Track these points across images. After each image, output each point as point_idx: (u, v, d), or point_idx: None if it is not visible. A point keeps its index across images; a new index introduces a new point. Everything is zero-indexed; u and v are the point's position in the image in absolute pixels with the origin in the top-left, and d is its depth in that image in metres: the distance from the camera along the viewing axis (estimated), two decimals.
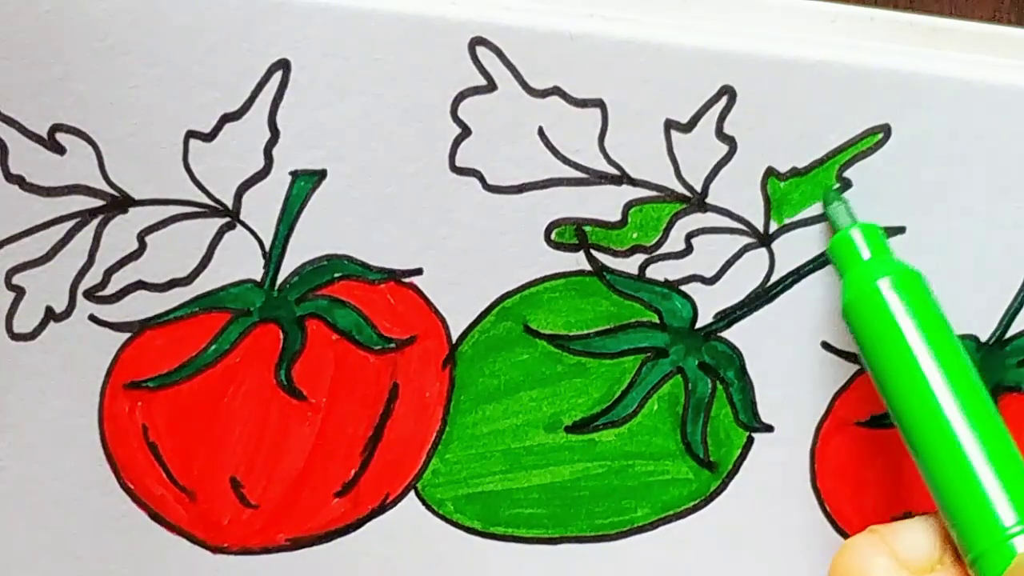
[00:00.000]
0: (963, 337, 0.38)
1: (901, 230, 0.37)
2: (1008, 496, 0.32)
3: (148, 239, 0.37)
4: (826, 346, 0.38)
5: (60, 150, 0.36)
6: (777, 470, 0.39)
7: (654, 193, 0.37)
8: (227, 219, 0.37)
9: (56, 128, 0.36)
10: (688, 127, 0.36)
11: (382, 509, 0.40)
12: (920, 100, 0.35)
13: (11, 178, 0.36)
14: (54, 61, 0.35)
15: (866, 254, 0.35)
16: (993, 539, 0.32)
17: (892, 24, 0.36)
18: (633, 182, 0.37)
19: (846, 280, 0.35)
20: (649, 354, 0.38)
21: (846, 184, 0.36)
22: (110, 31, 0.35)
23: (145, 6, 0.35)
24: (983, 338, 0.38)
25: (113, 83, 0.36)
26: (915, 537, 0.33)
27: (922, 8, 0.40)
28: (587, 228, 0.37)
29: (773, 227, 0.37)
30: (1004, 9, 0.41)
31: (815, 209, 0.37)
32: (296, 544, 0.40)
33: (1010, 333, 0.38)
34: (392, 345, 0.38)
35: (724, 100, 0.36)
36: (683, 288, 0.38)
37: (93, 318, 0.38)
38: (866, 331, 0.34)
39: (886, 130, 0.36)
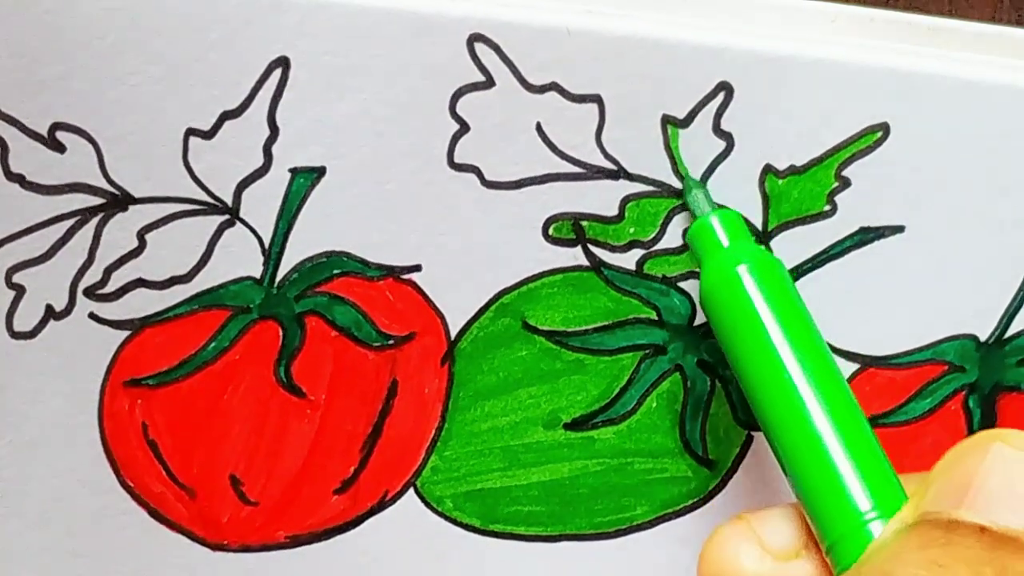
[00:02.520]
0: (963, 337, 0.38)
1: (900, 229, 0.37)
2: (863, 482, 0.31)
3: (148, 237, 0.37)
4: None
5: (60, 148, 0.36)
6: (776, 468, 0.39)
7: (651, 188, 0.37)
8: (227, 216, 0.37)
9: (56, 126, 0.36)
10: (685, 123, 0.36)
11: (381, 506, 0.40)
12: (919, 99, 0.35)
13: (11, 176, 0.36)
14: (54, 60, 0.35)
15: (725, 241, 0.34)
16: (849, 525, 0.31)
17: (892, 24, 0.36)
18: (630, 177, 0.37)
19: (705, 267, 0.34)
20: (647, 351, 0.38)
21: (845, 183, 0.36)
22: (109, 30, 0.35)
23: (144, 5, 0.35)
24: (982, 337, 0.38)
25: (113, 81, 0.36)
26: (780, 524, 0.33)
27: (922, 8, 0.40)
28: (584, 223, 0.37)
29: (771, 225, 0.37)
30: (1004, 9, 0.41)
31: (813, 208, 0.37)
32: (296, 541, 0.40)
33: (1009, 333, 0.38)
34: (391, 342, 0.38)
35: (721, 96, 0.36)
36: (681, 285, 0.38)
37: (93, 316, 0.38)
38: (725, 318, 0.33)
39: (885, 129, 0.36)
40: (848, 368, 0.38)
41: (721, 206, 0.36)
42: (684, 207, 0.36)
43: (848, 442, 0.32)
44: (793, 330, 0.33)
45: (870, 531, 0.31)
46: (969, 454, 0.29)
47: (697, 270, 0.37)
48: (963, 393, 0.38)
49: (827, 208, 0.37)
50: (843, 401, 0.32)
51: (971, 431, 0.39)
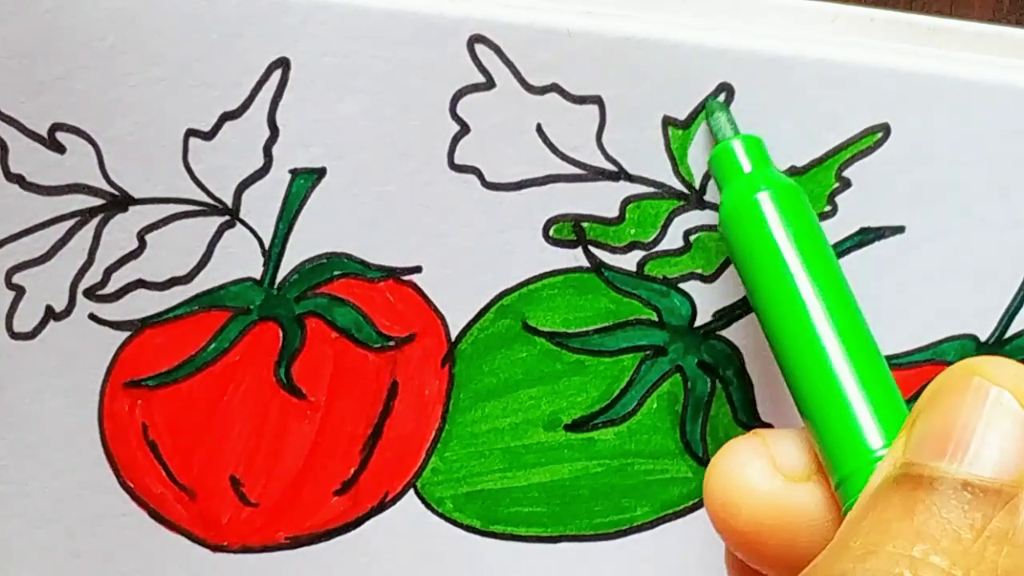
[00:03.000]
0: (962, 337, 0.38)
1: (900, 229, 0.37)
2: (876, 418, 0.30)
3: (148, 238, 0.37)
4: None
5: (60, 149, 0.36)
6: None
7: (652, 190, 0.37)
8: (227, 217, 0.37)
9: (56, 127, 0.36)
10: (686, 124, 0.36)
11: (382, 507, 0.40)
12: (920, 99, 0.35)
13: (11, 177, 0.36)
14: (54, 61, 0.35)
15: (747, 166, 0.33)
16: (859, 461, 0.30)
17: (892, 24, 0.36)
18: (631, 178, 0.37)
19: (725, 192, 0.33)
20: (648, 352, 0.38)
21: (845, 183, 0.36)
22: (109, 31, 0.35)
23: (144, 6, 0.35)
24: (982, 338, 0.38)
25: (113, 82, 0.36)
26: (794, 446, 0.32)
27: (922, 8, 0.40)
28: (585, 224, 0.37)
29: None
30: (1004, 9, 0.41)
31: (814, 208, 0.37)
32: (296, 542, 0.40)
33: (1009, 333, 0.38)
34: (391, 343, 0.38)
35: (722, 97, 0.35)
36: (681, 286, 0.38)
37: (93, 317, 0.38)
38: (742, 243, 0.32)
39: (885, 129, 0.36)
40: None
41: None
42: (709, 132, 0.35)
43: (862, 377, 0.30)
44: (811, 259, 0.31)
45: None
46: (949, 393, 0.28)
47: (699, 271, 0.37)
48: None
49: (827, 208, 0.37)
50: (859, 335, 0.31)
51: None
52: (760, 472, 0.31)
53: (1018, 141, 0.36)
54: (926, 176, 0.36)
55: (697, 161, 0.36)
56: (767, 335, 0.32)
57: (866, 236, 0.37)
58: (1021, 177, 0.36)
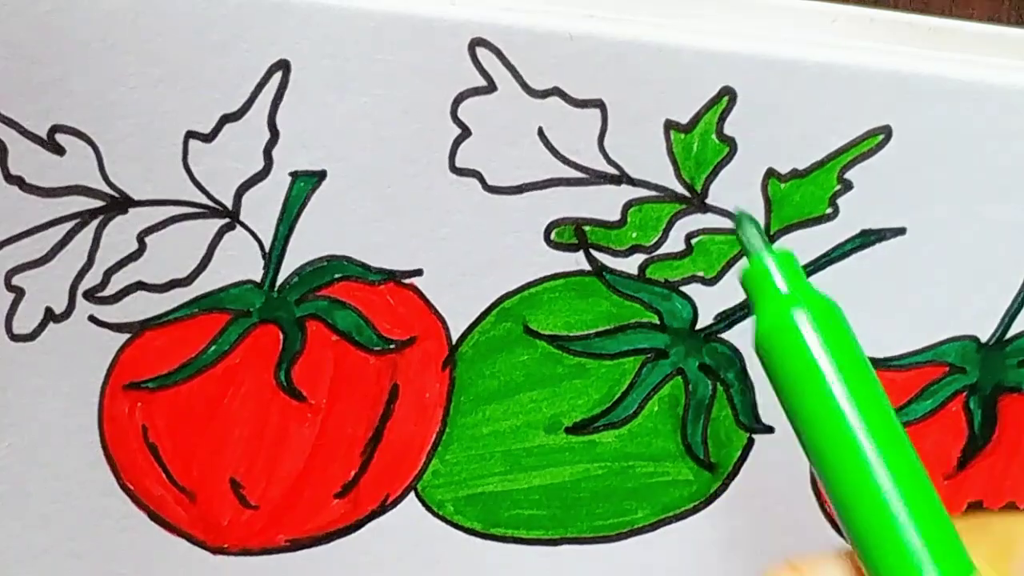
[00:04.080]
0: (963, 338, 0.38)
1: (901, 231, 0.37)
2: (929, 551, 0.31)
3: (148, 240, 0.37)
4: None
5: (60, 151, 0.36)
6: (777, 471, 0.39)
7: (654, 193, 0.37)
8: (227, 220, 0.37)
9: (56, 129, 0.36)
10: (688, 128, 0.36)
11: (382, 510, 0.40)
12: (921, 102, 0.35)
13: (11, 179, 0.36)
14: (54, 62, 0.35)
15: (782, 285, 0.32)
16: None
17: (892, 24, 0.36)
18: (632, 182, 0.37)
19: (760, 311, 0.32)
20: (649, 355, 0.38)
21: (847, 186, 0.36)
22: (109, 32, 0.35)
23: (145, 6, 0.35)
24: (983, 339, 0.38)
25: (112, 84, 0.36)
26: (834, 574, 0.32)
27: (922, 8, 0.40)
28: (586, 228, 0.37)
29: (774, 228, 0.37)
30: (1004, 9, 0.41)
31: (815, 211, 0.37)
32: (296, 545, 0.40)
33: (1010, 334, 0.38)
34: (392, 346, 0.38)
35: (724, 101, 0.35)
36: (683, 289, 0.38)
37: (93, 319, 0.38)
38: (782, 367, 0.31)
39: (887, 131, 0.36)
40: None
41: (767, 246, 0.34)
42: (734, 235, 0.34)
43: (914, 507, 0.31)
44: (856, 384, 0.32)
45: None
46: None
47: (701, 274, 0.37)
48: (964, 394, 0.38)
49: (829, 211, 0.37)
50: (907, 461, 0.31)
51: (972, 432, 0.39)
52: None
53: (1018, 141, 0.36)
54: (927, 178, 0.36)
55: (699, 164, 0.36)
56: (811, 460, 0.32)
57: (867, 238, 0.37)
58: (1022, 177, 0.36)
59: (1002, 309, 0.37)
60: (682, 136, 0.36)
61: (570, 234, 0.37)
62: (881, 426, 0.30)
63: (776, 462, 0.39)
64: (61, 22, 0.35)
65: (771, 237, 0.37)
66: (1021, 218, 0.36)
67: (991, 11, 0.41)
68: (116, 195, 0.37)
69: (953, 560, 0.29)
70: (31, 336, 0.38)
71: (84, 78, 0.36)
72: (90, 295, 0.38)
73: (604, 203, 0.37)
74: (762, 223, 0.37)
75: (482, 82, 0.36)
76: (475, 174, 0.36)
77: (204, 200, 0.37)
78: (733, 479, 0.39)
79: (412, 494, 0.40)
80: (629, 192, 0.37)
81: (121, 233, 0.37)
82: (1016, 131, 0.36)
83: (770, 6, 0.36)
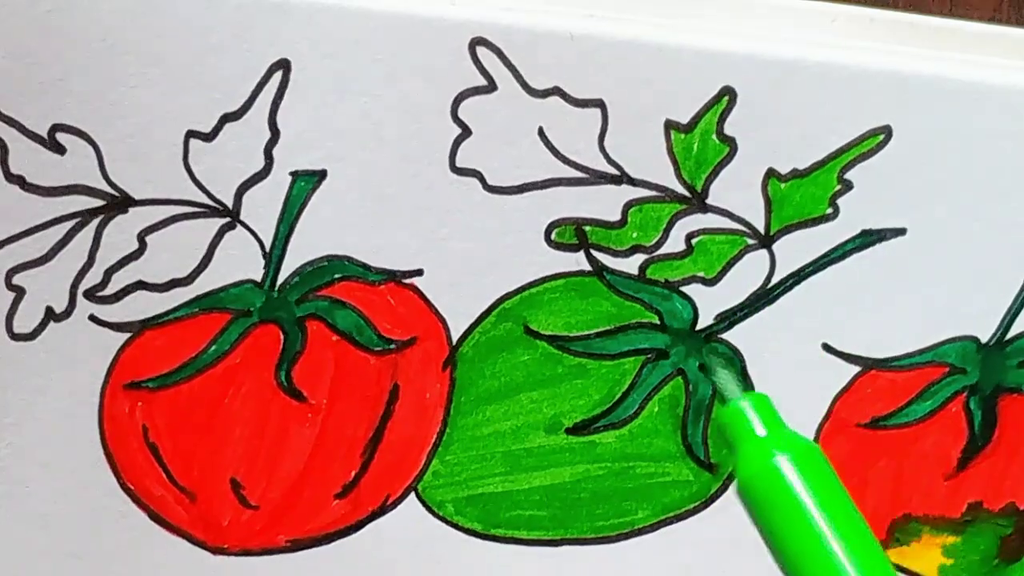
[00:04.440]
0: (963, 338, 0.38)
1: (902, 231, 0.37)
2: None
3: (148, 239, 0.37)
4: (827, 348, 0.38)
5: (60, 150, 0.36)
6: None
7: (654, 193, 0.37)
8: (227, 219, 0.37)
9: (56, 128, 0.36)
10: (688, 128, 0.36)
11: (382, 511, 0.40)
12: (921, 102, 0.35)
13: (11, 178, 0.36)
14: (54, 61, 0.35)
15: (760, 429, 0.31)
16: None
17: (892, 24, 0.36)
18: (633, 182, 0.36)
19: (741, 456, 0.32)
20: (650, 355, 0.38)
21: (847, 186, 0.36)
22: (110, 31, 0.35)
23: (145, 6, 0.35)
24: (983, 339, 0.38)
25: (113, 83, 0.36)
26: None
27: (922, 8, 0.40)
28: (587, 228, 0.37)
29: (774, 228, 0.37)
30: (1004, 9, 0.41)
31: (816, 211, 0.37)
32: (296, 545, 0.40)
33: (1011, 334, 0.38)
34: (392, 346, 0.38)
35: (725, 101, 0.35)
36: (683, 289, 0.38)
37: (93, 318, 0.38)
38: (768, 512, 0.31)
39: (887, 131, 0.36)
40: (850, 370, 0.38)
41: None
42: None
43: None
44: (841, 523, 0.32)
45: None
46: None
47: (701, 274, 0.37)
48: (964, 395, 0.38)
49: (829, 211, 0.37)
50: None
51: (972, 433, 0.39)
52: None
53: (1019, 142, 0.36)
54: (927, 178, 0.36)
55: (700, 164, 0.36)
56: None
57: (868, 238, 0.37)
58: (1022, 178, 0.36)
59: (1002, 309, 0.37)
60: (682, 136, 0.36)
61: (571, 234, 0.37)
62: (871, 567, 0.30)
63: None
64: (61, 22, 0.35)
65: (771, 237, 0.37)
66: (1021, 218, 0.36)
67: (991, 11, 0.41)
68: (116, 194, 0.37)
69: None
70: (31, 335, 0.38)
71: (84, 78, 0.36)
72: (91, 294, 0.38)
73: (604, 203, 0.37)
74: (762, 224, 0.37)
75: (482, 82, 0.36)
76: (475, 174, 0.36)
77: (204, 199, 0.37)
78: (734, 479, 0.39)
79: (413, 495, 0.40)
80: (629, 192, 0.37)
81: (121, 232, 0.37)
82: (1016, 131, 0.36)
83: (770, 6, 0.36)
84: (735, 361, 0.35)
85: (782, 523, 0.30)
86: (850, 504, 0.31)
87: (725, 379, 0.32)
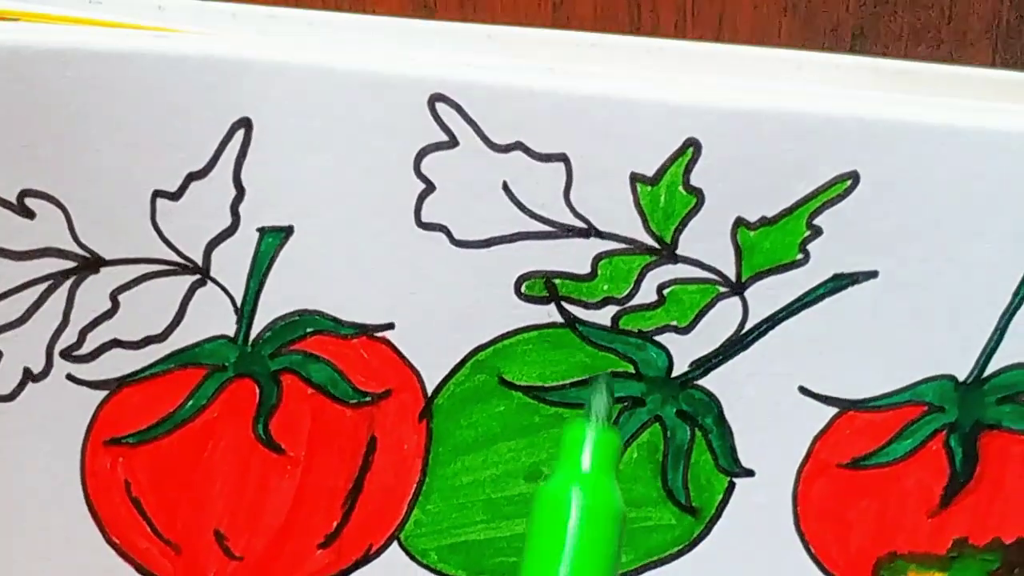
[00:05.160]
0: (940, 377, 0.37)
1: (874, 274, 0.36)
2: None
3: (121, 298, 0.37)
4: (803, 390, 0.38)
5: (30, 215, 0.36)
6: (760, 514, 0.39)
7: (623, 245, 0.36)
8: (197, 276, 0.37)
9: (25, 193, 0.36)
10: (654, 180, 0.35)
11: (366, 559, 0.40)
12: (887, 146, 0.35)
13: None
14: (20, 129, 0.35)
15: (586, 463, 0.31)
16: None
17: (857, 70, 0.35)
18: (601, 235, 0.36)
19: (557, 471, 0.32)
20: (626, 403, 0.38)
21: (816, 231, 0.36)
22: (74, 97, 0.35)
23: (107, 72, 0.35)
24: (960, 377, 0.37)
25: (79, 148, 0.36)
26: None
27: (919, 55, 0.40)
28: (557, 281, 0.37)
29: (745, 276, 0.36)
30: (1004, 8, 0.40)
31: (786, 257, 0.36)
32: None
33: (988, 371, 0.37)
34: (368, 399, 0.38)
35: (689, 152, 0.35)
36: (657, 338, 0.37)
37: (71, 377, 0.38)
38: (535, 528, 0.32)
39: (854, 177, 0.35)
40: (827, 412, 0.38)
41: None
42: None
43: None
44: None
45: None
46: None
47: (674, 323, 0.37)
48: (944, 433, 0.38)
49: (800, 257, 0.36)
50: None
51: (954, 470, 0.38)
52: None
53: (987, 182, 0.35)
54: (897, 220, 0.36)
55: (668, 215, 0.36)
56: None
57: (840, 282, 0.36)
58: (992, 218, 0.36)
59: (978, 347, 0.37)
60: (648, 188, 0.35)
61: (540, 287, 0.37)
62: None
63: (758, 505, 0.39)
64: (25, 91, 0.35)
65: (743, 284, 0.37)
66: (992, 256, 0.36)
67: (992, 10, 0.40)
68: (87, 255, 0.37)
69: None
70: (10, 397, 0.38)
71: (51, 143, 0.35)
72: (67, 354, 0.38)
73: (573, 256, 0.36)
74: (733, 272, 0.36)
75: (444, 137, 0.35)
76: (442, 228, 0.36)
77: (174, 257, 0.37)
78: (716, 523, 0.39)
79: (395, 543, 0.40)
80: (599, 245, 0.36)
81: (94, 292, 0.37)
82: (984, 172, 0.35)
83: (736, 54, 0.35)
84: (613, 394, 0.34)
85: (540, 543, 0.31)
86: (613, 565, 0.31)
87: (599, 403, 0.32)
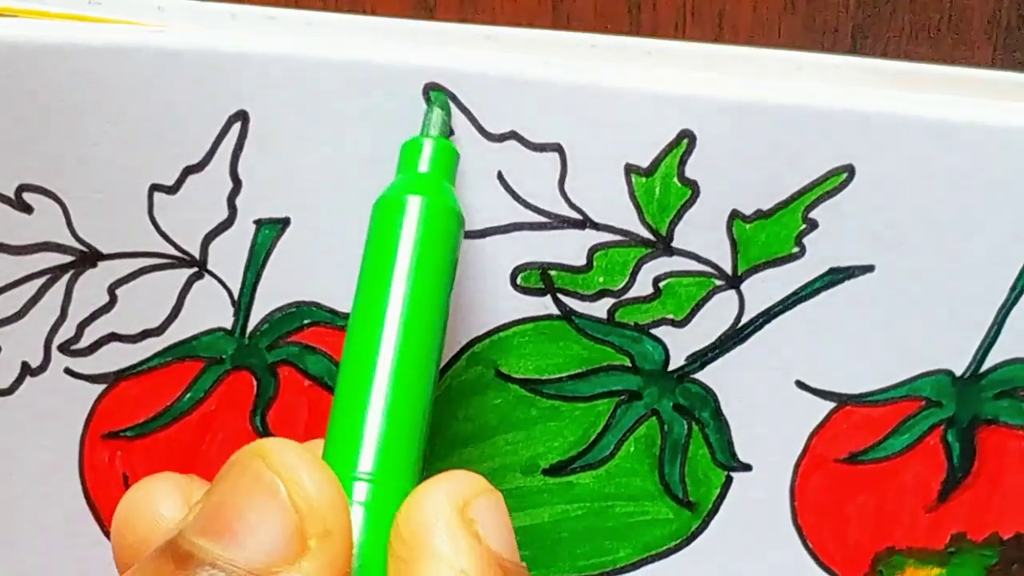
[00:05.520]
0: (937, 372, 0.37)
1: (870, 268, 0.36)
2: (381, 445, 0.30)
3: (118, 292, 0.37)
4: (800, 384, 0.37)
5: (27, 209, 0.36)
6: (757, 508, 0.39)
7: (618, 238, 0.36)
8: (195, 269, 0.37)
9: (22, 188, 0.36)
10: (649, 172, 0.35)
11: None
12: (882, 139, 0.35)
13: None
14: (17, 124, 0.35)
15: (424, 166, 0.32)
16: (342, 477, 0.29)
17: (857, 71, 0.35)
18: (596, 226, 0.36)
19: (395, 180, 0.33)
20: (623, 397, 0.38)
21: (812, 225, 0.36)
22: (70, 93, 0.35)
23: (103, 67, 0.35)
24: (958, 372, 0.37)
25: (76, 142, 0.36)
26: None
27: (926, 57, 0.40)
28: (552, 272, 0.37)
29: (741, 269, 0.36)
30: (1004, 7, 0.40)
31: (782, 251, 0.36)
32: None
33: (986, 366, 0.37)
34: None
35: (684, 144, 0.35)
36: (653, 331, 0.37)
37: (69, 371, 0.38)
38: (373, 234, 0.32)
39: (850, 170, 0.35)
40: (824, 407, 0.38)
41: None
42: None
43: (393, 401, 0.30)
44: (420, 278, 0.31)
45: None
46: (233, 473, 0.29)
47: (670, 316, 0.37)
48: (941, 427, 0.38)
49: (796, 250, 0.36)
50: (417, 364, 0.31)
51: (951, 465, 0.38)
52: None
53: (983, 177, 0.35)
54: (893, 215, 0.35)
55: (663, 208, 0.36)
56: (347, 328, 0.32)
57: (836, 276, 0.36)
58: (989, 212, 0.35)
59: (975, 342, 0.37)
60: (643, 180, 0.35)
61: (536, 279, 0.37)
62: (417, 323, 0.31)
63: (756, 499, 0.39)
64: (22, 86, 0.35)
65: (739, 277, 0.37)
66: (990, 251, 0.36)
67: (992, 10, 0.40)
68: (85, 250, 0.37)
69: (396, 465, 0.30)
70: (9, 390, 0.38)
71: (48, 138, 0.35)
72: (65, 348, 0.38)
73: (569, 247, 0.36)
74: (729, 265, 0.36)
75: None
76: None
77: (171, 251, 0.37)
78: (713, 517, 0.39)
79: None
80: (593, 236, 0.36)
81: (92, 287, 0.37)
82: (981, 167, 0.35)
83: (735, 55, 0.35)
84: (450, 115, 0.34)
85: (374, 252, 0.32)
86: (445, 269, 0.32)
87: (436, 118, 0.33)
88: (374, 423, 0.30)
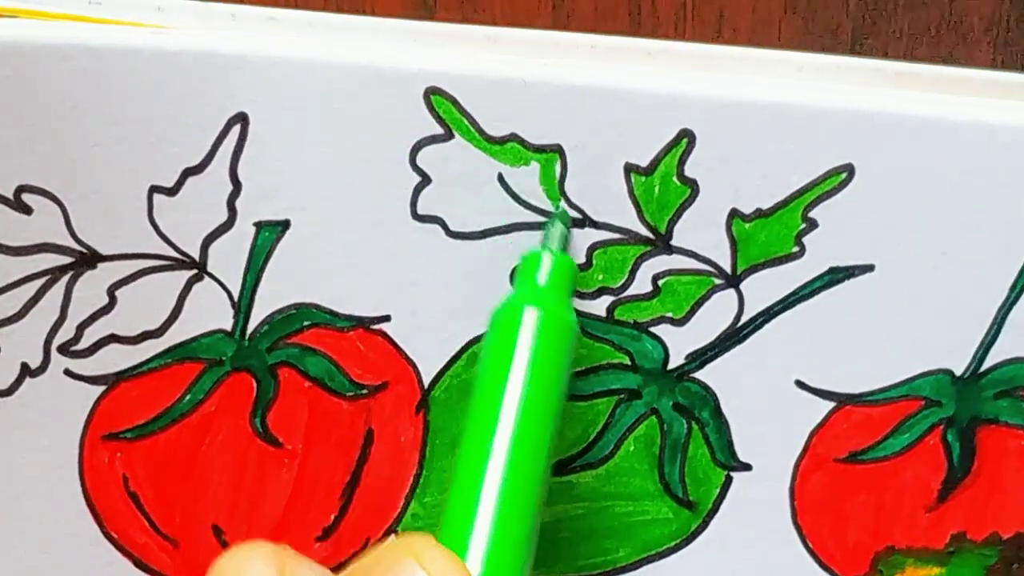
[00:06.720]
0: (937, 371, 0.37)
1: (870, 268, 0.36)
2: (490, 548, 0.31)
3: (118, 293, 0.37)
4: (800, 384, 0.37)
5: (27, 210, 0.36)
6: (757, 508, 0.39)
7: (618, 236, 0.36)
8: (194, 271, 0.37)
9: (21, 189, 0.36)
10: (649, 170, 0.35)
11: (363, 552, 0.40)
12: (882, 139, 0.35)
13: None
14: (16, 124, 0.35)
15: (542, 279, 0.33)
16: None
17: (858, 71, 0.35)
18: (596, 225, 0.36)
19: (514, 292, 0.33)
20: (622, 396, 0.38)
21: (812, 224, 0.36)
22: (70, 93, 0.35)
23: (102, 68, 0.35)
24: (958, 372, 0.37)
25: (75, 143, 0.36)
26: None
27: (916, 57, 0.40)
28: None
29: (740, 268, 0.36)
30: (1004, 8, 0.40)
31: (782, 250, 0.36)
32: None
33: (985, 366, 0.37)
34: (364, 391, 0.38)
35: (684, 143, 0.35)
36: (653, 330, 0.37)
37: (68, 372, 0.38)
38: (491, 341, 0.32)
39: (849, 170, 0.35)
40: (824, 406, 0.38)
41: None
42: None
43: (502, 511, 0.31)
44: (532, 387, 0.32)
45: None
46: (383, 568, 0.29)
47: (670, 315, 0.37)
48: (941, 427, 0.38)
49: (795, 249, 0.36)
50: (526, 472, 0.32)
51: (951, 465, 0.38)
52: None
53: (982, 176, 0.35)
54: (893, 214, 0.36)
55: (662, 206, 0.36)
56: (462, 430, 0.33)
57: (836, 275, 0.36)
58: (988, 211, 0.35)
59: (975, 341, 0.37)
60: (643, 179, 0.35)
61: None
62: (532, 431, 0.32)
63: (755, 499, 0.39)
64: (22, 87, 0.35)
65: (738, 277, 0.37)
66: (989, 250, 0.36)
67: (992, 10, 0.40)
68: (84, 251, 0.37)
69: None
70: (8, 391, 0.38)
71: (47, 139, 0.35)
72: (64, 349, 0.38)
73: (569, 246, 0.36)
74: (728, 264, 0.36)
75: (439, 130, 0.35)
76: (437, 220, 0.36)
77: (171, 252, 0.37)
78: (713, 517, 0.39)
79: (392, 537, 0.39)
80: (593, 235, 0.36)
81: (91, 288, 0.37)
82: (980, 167, 0.35)
83: (735, 56, 0.35)
84: (570, 230, 0.35)
85: (490, 368, 0.32)
86: (560, 388, 0.33)
87: (555, 233, 0.34)
88: (482, 531, 0.31)
